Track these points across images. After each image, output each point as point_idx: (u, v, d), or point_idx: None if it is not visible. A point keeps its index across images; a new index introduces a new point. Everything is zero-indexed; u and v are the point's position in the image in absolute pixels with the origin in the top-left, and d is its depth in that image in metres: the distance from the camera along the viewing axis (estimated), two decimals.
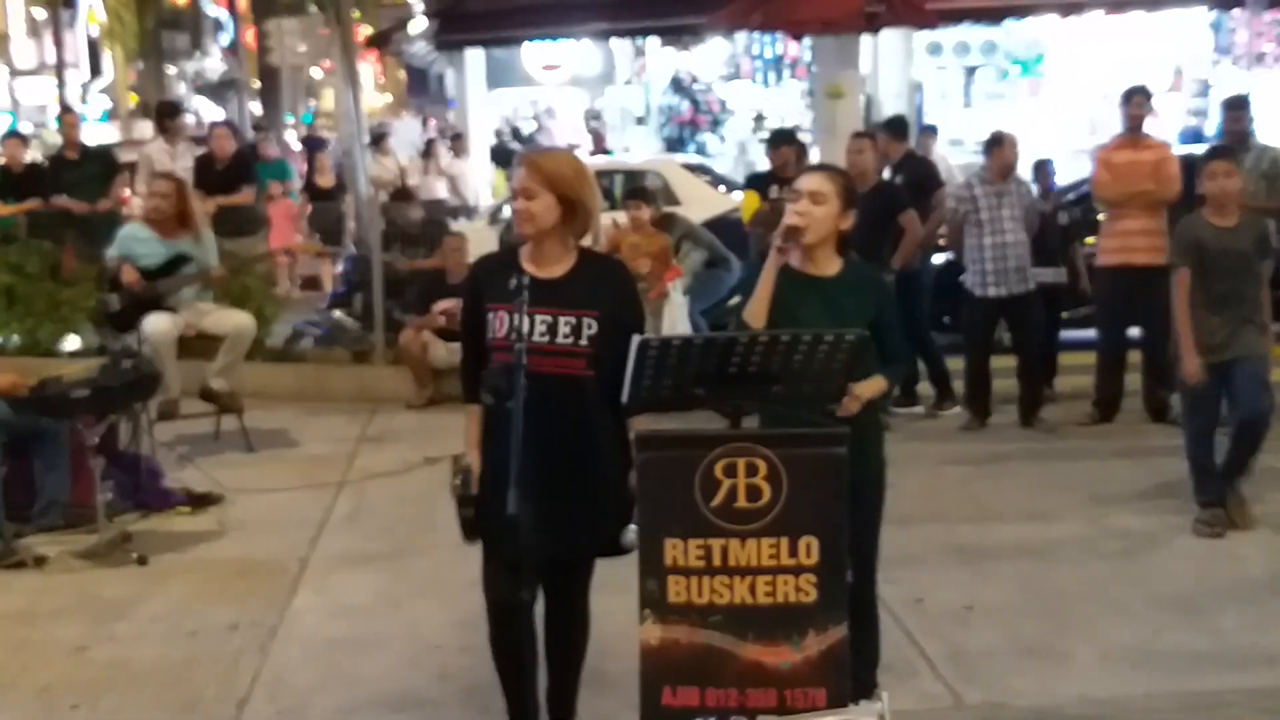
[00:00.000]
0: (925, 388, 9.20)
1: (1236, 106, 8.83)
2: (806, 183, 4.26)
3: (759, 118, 21.35)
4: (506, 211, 14.76)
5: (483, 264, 4.32)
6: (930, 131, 15.38)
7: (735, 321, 4.21)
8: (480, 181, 19.68)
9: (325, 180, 15.32)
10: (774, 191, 8.84)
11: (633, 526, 3.79)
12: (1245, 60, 14.91)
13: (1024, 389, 8.66)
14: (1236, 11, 16.45)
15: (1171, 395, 8.69)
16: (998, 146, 8.66)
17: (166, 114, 12.35)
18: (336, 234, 14.92)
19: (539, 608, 4.13)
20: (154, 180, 8.44)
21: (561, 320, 3.93)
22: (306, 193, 14.55)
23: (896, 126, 10.13)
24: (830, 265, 4.26)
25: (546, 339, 3.92)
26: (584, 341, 3.92)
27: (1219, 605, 5.52)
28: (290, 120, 28.79)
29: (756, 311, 4.13)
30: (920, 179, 9.48)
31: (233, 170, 11.85)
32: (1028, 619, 5.44)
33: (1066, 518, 6.78)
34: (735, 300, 4.52)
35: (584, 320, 3.92)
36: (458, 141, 19.55)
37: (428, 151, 18.73)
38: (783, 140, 9.76)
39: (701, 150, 21.32)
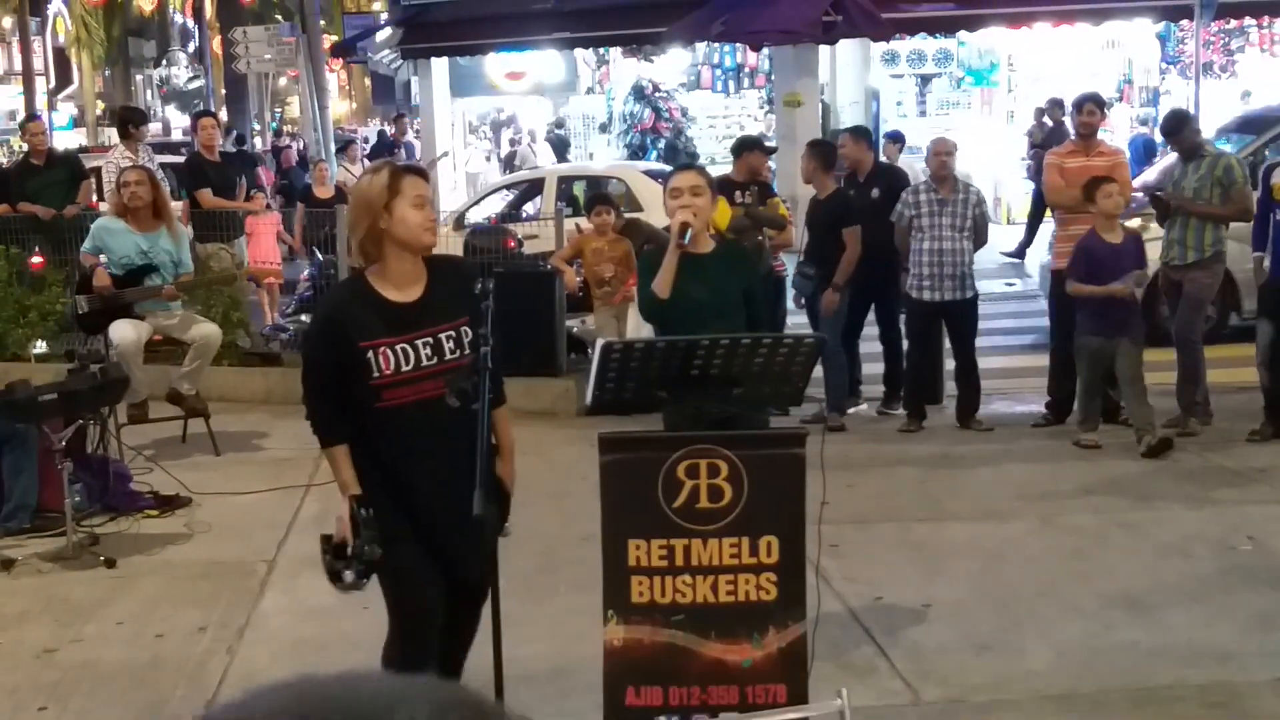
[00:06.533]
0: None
1: (1175, 132, 8.77)
2: (685, 180, 4.92)
3: None
4: (472, 216, 14.84)
5: (334, 303, 4.13)
6: (897, 139, 15.48)
7: (645, 295, 4.88)
8: (445, 186, 19.71)
9: (324, 191, 15.13)
10: (739, 197, 8.99)
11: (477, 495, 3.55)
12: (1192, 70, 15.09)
13: (961, 391, 8.81)
14: (1184, 22, 16.69)
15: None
16: (929, 156, 8.89)
17: (130, 120, 12.15)
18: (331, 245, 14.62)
19: None
20: (125, 172, 8.31)
21: (443, 336, 3.86)
22: (304, 203, 14.26)
23: (864, 135, 10.12)
24: (706, 244, 4.96)
25: (434, 361, 3.84)
26: (468, 349, 3.87)
27: (1169, 602, 5.63)
28: (257, 128, 28.71)
29: (664, 282, 4.82)
30: (896, 190, 9.41)
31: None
32: (983, 616, 5.54)
33: (1020, 517, 6.89)
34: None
35: (460, 329, 3.88)
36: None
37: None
38: (746, 148, 9.86)
39: (663, 157, 21.43)
